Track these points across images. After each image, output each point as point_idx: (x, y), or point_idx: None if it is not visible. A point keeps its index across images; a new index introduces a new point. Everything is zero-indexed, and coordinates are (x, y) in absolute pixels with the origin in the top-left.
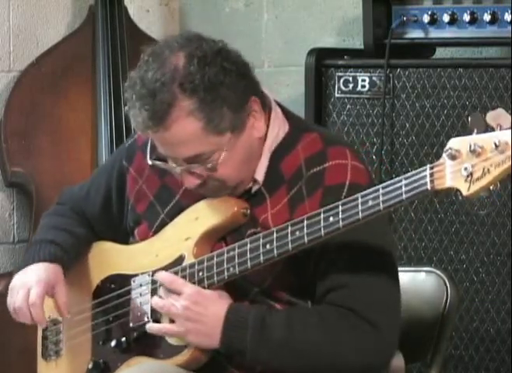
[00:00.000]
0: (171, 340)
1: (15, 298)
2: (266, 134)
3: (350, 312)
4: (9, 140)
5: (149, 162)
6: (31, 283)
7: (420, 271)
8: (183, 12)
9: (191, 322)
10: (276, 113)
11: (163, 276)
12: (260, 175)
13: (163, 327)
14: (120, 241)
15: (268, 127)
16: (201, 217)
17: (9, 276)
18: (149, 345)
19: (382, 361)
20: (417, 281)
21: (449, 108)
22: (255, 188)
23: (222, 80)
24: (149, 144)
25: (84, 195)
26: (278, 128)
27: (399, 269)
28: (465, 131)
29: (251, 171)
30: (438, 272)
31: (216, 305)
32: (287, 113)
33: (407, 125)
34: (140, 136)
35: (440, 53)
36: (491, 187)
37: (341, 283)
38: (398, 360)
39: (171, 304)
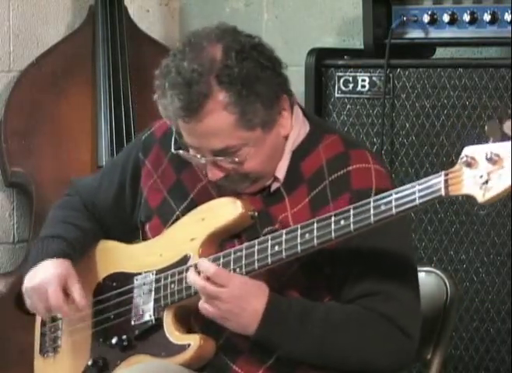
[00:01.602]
0: (173, 339)
1: (38, 304)
2: (288, 133)
3: (384, 318)
4: (9, 140)
5: (173, 151)
6: (44, 284)
7: (420, 271)
8: (183, 12)
9: (231, 313)
10: (297, 112)
11: (206, 265)
12: (281, 173)
13: (204, 307)
14: (128, 236)
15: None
16: (207, 218)
17: (9, 276)
18: (150, 343)
19: (407, 366)
20: None
21: (449, 108)
22: (275, 186)
23: (258, 75)
24: (173, 134)
25: (96, 187)
26: (299, 128)
27: None
28: (481, 139)
29: (273, 168)
30: (438, 272)
31: (257, 299)
32: (307, 114)
33: (407, 125)
34: (158, 129)
35: (440, 53)
36: None
37: (373, 290)
38: None
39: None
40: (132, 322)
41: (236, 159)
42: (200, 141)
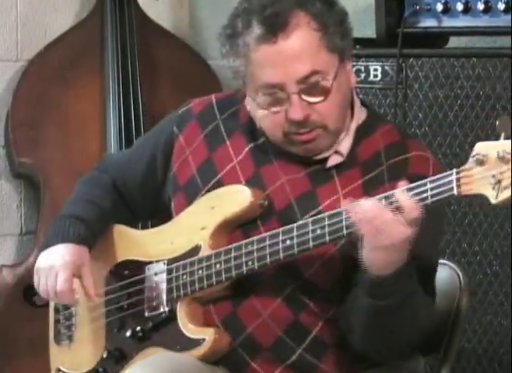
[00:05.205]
0: (188, 332)
1: (45, 284)
2: (352, 113)
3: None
4: (16, 130)
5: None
6: (57, 267)
7: None
8: (192, 1)
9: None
10: (356, 97)
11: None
12: (344, 148)
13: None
14: (155, 214)
15: (352, 106)
16: (217, 207)
17: (17, 267)
18: (165, 336)
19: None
20: None
21: (462, 98)
22: (333, 162)
23: (332, 4)
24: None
25: (126, 161)
26: (359, 112)
27: None
28: (495, 130)
29: (343, 126)
30: (451, 264)
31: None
32: (363, 101)
33: (420, 115)
34: (196, 105)
35: (454, 42)
36: None
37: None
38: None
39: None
40: (146, 314)
41: (324, 83)
42: (285, 69)
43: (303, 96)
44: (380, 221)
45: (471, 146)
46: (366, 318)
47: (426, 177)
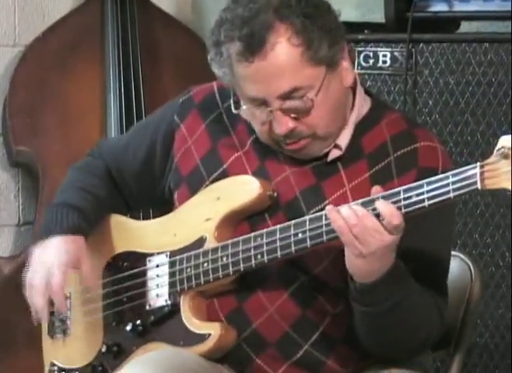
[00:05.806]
0: (192, 327)
1: (36, 281)
2: (353, 104)
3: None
4: (14, 118)
5: (234, 111)
6: (52, 265)
7: None
8: None
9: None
10: (360, 88)
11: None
12: (343, 141)
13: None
14: (151, 204)
15: (354, 97)
16: (222, 198)
17: (15, 258)
18: (167, 330)
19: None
20: None
21: (474, 85)
22: (334, 155)
23: (318, 10)
24: (232, 95)
25: (122, 148)
26: (362, 103)
27: None
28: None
29: (337, 126)
30: (462, 256)
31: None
32: (367, 91)
33: (430, 102)
34: (197, 94)
35: (465, 27)
36: None
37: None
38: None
39: None
40: (147, 307)
41: (305, 99)
42: (265, 86)
43: (287, 111)
44: (359, 228)
45: (483, 134)
46: (359, 321)
47: (437, 170)
